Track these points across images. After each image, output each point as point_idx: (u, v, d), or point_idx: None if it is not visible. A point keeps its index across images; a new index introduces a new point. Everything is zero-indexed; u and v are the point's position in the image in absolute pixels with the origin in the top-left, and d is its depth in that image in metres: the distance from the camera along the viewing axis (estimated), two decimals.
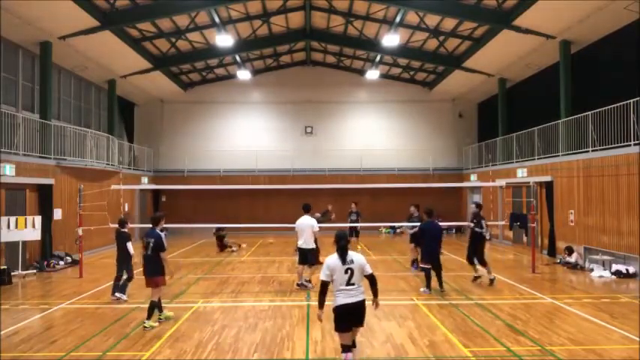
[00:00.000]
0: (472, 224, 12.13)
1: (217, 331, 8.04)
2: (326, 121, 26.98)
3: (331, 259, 5.74)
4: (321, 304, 5.68)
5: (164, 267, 8.28)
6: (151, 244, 8.22)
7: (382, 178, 25.21)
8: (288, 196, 20.37)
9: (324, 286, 5.68)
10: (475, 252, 11.93)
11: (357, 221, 17.45)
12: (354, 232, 17.69)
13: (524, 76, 21.03)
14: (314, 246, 11.53)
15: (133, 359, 6.79)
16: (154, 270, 8.26)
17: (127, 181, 21.28)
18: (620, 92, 13.68)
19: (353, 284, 5.65)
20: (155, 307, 8.37)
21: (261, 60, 25.64)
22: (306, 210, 11.52)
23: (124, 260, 10.34)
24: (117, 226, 10.51)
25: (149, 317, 8.26)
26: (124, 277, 10.37)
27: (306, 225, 11.16)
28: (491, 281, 11.65)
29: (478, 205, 12.73)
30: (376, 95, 27.15)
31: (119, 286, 10.34)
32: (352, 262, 5.69)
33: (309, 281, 11.38)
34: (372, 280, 5.84)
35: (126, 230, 10.44)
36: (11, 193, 13.90)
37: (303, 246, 11.20)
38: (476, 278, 12.06)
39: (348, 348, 5.68)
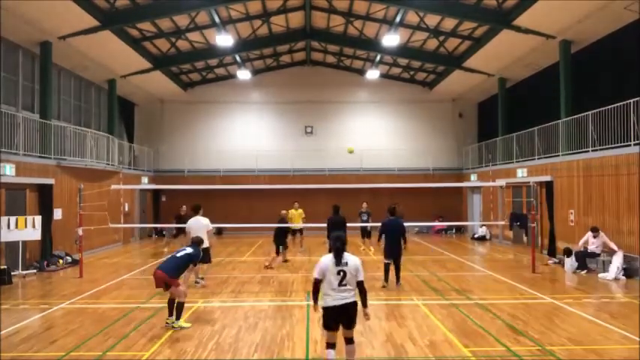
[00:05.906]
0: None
1: (217, 331, 8.04)
2: (326, 121, 26.95)
3: (326, 259, 5.88)
4: (315, 300, 5.99)
5: None
6: None
7: (382, 178, 25.17)
8: (288, 196, 20.33)
9: (316, 284, 5.91)
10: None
11: (367, 222, 17.18)
12: (366, 233, 17.46)
13: (524, 76, 21.01)
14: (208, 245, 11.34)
15: (132, 359, 6.80)
16: None
17: (127, 181, 21.27)
18: (620, 92, 13.68)
19: (344, 285, 5.74)
20: None
21: (261, 60, 25.63)
22: (196, 210, 11.93)
23: None
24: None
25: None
26: None
27: (202, 225, 11.43)
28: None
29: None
30: (376, 95, 27.13)
31: None
32: (346, 264, 5.78)
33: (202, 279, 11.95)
34: (361, 288, 5.87)
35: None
36: (11, 193, 13.89)
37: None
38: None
39: (331, 345, 5.83)
